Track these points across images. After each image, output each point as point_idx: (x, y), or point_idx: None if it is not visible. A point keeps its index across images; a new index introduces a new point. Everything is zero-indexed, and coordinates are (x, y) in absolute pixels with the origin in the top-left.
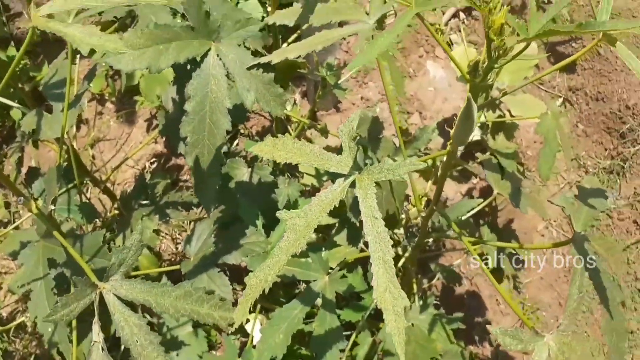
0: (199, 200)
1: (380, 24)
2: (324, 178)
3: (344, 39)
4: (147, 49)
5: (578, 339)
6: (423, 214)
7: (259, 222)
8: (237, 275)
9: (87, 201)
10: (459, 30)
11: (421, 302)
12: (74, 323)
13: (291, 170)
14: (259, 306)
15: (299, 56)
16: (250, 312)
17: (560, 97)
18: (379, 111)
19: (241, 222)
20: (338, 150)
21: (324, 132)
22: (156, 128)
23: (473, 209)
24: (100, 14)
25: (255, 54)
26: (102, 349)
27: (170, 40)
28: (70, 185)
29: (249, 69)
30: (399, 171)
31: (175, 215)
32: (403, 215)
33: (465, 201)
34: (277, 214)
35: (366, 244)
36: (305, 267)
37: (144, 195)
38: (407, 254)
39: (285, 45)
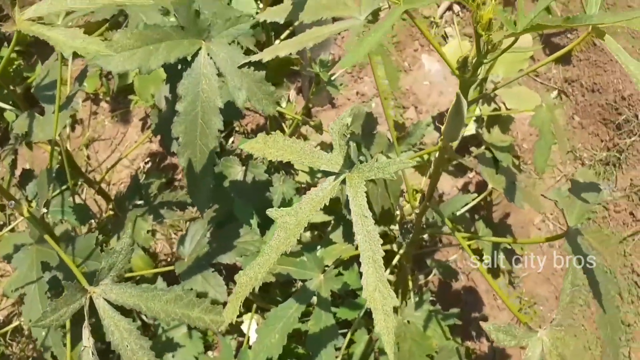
0: (192, 200)
1: (375, 17)
2: (319, 175)
3: (339, 34)
4: (137, 50)
5: (572, 334)
6: (417, 210)
7: (254, 221)
8: (234, 274)
9: (82, 202)
10: (454, 23)
11: (417, 299)
12: (68, 325)
13: (286, 168)
14: (254, 306)
15: (291, 53)
16: (246, 312)
17: (556, 89)
18: (374, 106)
19: (236, 221)
20: (330, 147)
21: (319, 128)
22: (151, 127)
23: (467, 204)
24: (92, 12)
25: (248, 52)
26: (92, 353)
27: (161, 40)
28: (63, 187)
29: (240, 67)
30: (389, 169)
31: (170, 216)
32: (398, 212)
33: (459, 196)
34: (268, 212)
35: None
36: (300, 265)
37: (138, 195)
38: (402, 251)
39: (277, 42)
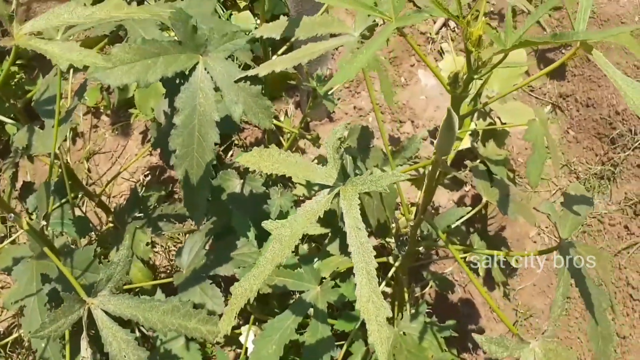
0: (188, 212)
1: (371, 33)
2: (316, 188)
3: (336, 49)
4: (135, 64)
5: (564, 345)
6: (412, 223)
7: (251, 233)
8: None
9: (82, 215)
10: (450, 39)
11: (413, 311)
12: (67, 336)
13: (284, 180)
14: (252, 317)
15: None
16: (244, 324)
17: (550, 103)
18: (371, 120)
19: (234, 233)
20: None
21: (316, 141)
22: (150, 140)
23: (462, 217)
24: (92, 28)
25: (246, 66)
26: None
27: (159, 54)
28: (63, 200)
29: (236, 81)
30: (382, 183)
31: (168, 228)
32: (393, 224)
33: (454, 209)
34: (263, 224)
35: None
36: (297, 277)
37: (137, 208)
38: (397, 263)
39: (274, 57)
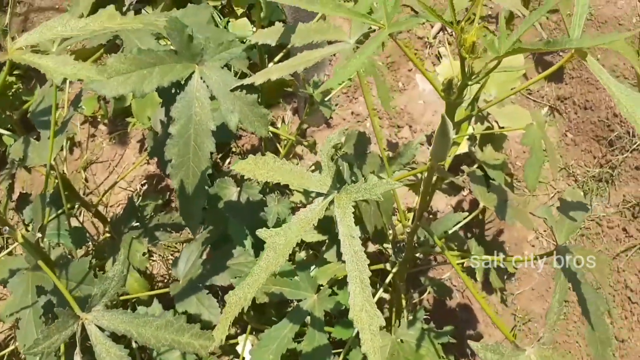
0: (184, 222)
1: (368, 39)
2: (313, 195)
3: (334, 55)
4: (131, 74)
5: (560, 352)
6: (408, 230)
7: (248, 242)
8: None
9: (78, 226)
10: (449, 44)
11: (411, 317)
12: (62, 349)
13: (281, 188)
14: (249, 327)
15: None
16: (241, 333)
17: (547, 106)
18: (369, 126)
19: (231, 242)
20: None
21: (312, 148)
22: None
23: (459, 222)
24: (88, 38)
25: (243, 75)
26: None
27: (154, 64)
28: (60, 211)
29: (232, 90)
30: (376, 191)
31: (165, 237)
32: (390, 231)
33: (450, 215)
34: (257, 232)
35: None
36: (294, 286)
37: (134, 217)
38: (395, 269)
39: (270, 64)
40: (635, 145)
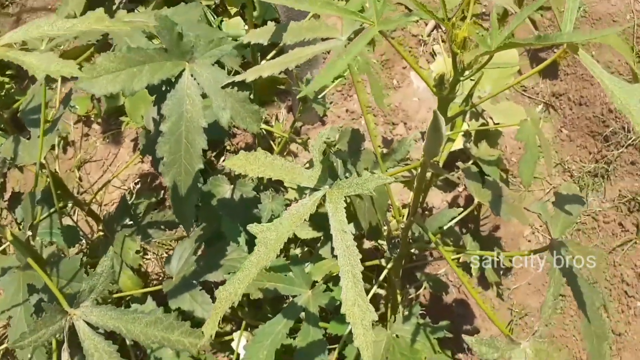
0: (177, 219)
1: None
2: (307, 191)
3: (327, 52)
4: (120, 72)
5: (556, 345)
6: (402, 226)
7: (242, 239)
8: None
9: (70, 224)
10: (443, 41)
11: (406, 313)
12: (54, 346)
13: (275, 185)
14: (244, 323)
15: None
16: (236, 330)
17: (542, 103)
18: (364, 123)
19: (224, 239)
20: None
21: (306, 145)
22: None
23: (454, 218)
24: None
25: (236, 73)
26: None
27: (144, 62)
28: (52, 210)
29: (223, 87)
30: (368, 185)
31: (158, 235)
32: (385, 227)
33: (445, 210)
34: (248, 227)
35: None
36: (288, 281)
37: (127, 216)
38: (389, 265)
39: (263, 62)
40: (631, 141)
